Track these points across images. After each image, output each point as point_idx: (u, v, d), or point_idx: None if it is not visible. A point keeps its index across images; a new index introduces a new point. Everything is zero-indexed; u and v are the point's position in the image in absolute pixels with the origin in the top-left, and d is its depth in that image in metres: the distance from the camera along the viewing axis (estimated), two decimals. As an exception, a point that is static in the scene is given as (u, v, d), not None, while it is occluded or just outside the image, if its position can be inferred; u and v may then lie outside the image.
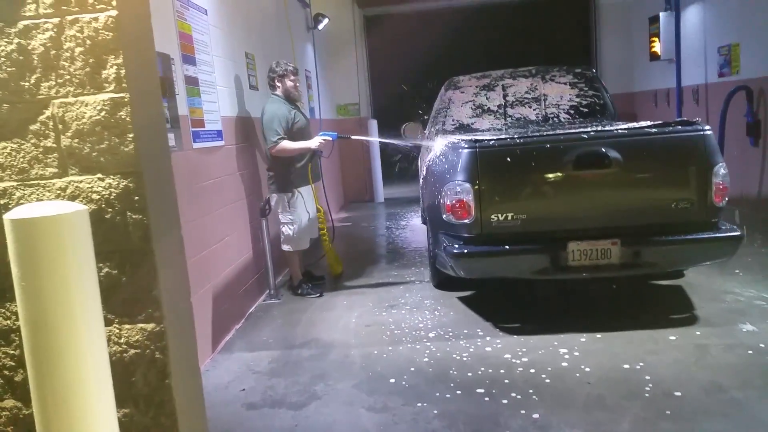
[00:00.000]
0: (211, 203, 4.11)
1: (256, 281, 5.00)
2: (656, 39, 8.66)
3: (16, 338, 1.86)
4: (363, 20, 10.56)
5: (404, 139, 5.87)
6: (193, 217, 3.72)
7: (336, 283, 5.39)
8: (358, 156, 10.43)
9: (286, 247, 4.98)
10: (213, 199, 4.16)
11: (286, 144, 4.70)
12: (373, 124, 10.25)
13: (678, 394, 2.97)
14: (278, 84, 4.91)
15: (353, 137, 5.55)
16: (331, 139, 4.87)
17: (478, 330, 4.00)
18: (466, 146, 3.86)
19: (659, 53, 8.64)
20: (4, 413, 1.89)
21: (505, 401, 3.02)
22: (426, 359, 3.60)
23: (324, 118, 8.91)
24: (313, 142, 4.80)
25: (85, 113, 1.77)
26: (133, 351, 1.82)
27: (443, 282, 4.86)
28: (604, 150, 3.69)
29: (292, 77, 4.91)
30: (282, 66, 4.91)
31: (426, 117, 6.67)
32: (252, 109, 5.21)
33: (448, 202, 3.89)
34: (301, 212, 4.94)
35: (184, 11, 3.92)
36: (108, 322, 1.78)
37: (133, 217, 1.77)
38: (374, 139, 5.24)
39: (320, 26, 8.57)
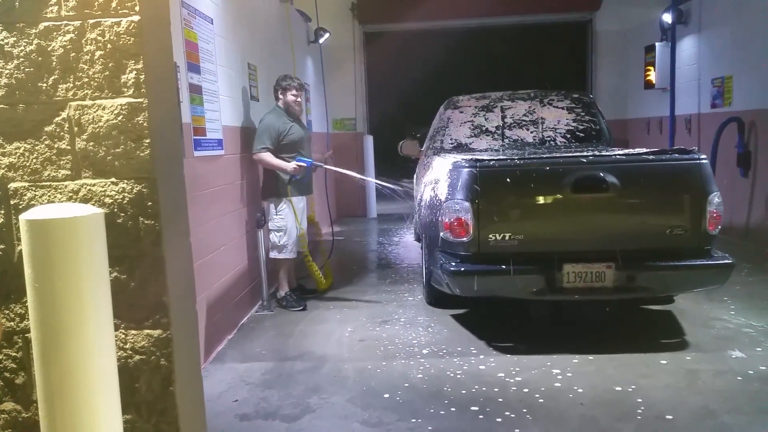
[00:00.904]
0: (208, 212, 4.10)
1: (249, 292, 4.98)
2: (651, 68, 8.82)
3: (19, 340, 1.85)
4: (363, 36, 10.65)
5: (383, 181, 5.83)
6: (191, 225, 3.70)
7: (329, 296, 5.38)
8: (352, 170, 10.44)
9: (272, 254, 4.99)
10: (211, 207, 4.16)
11: (265, 156, 4.80)
12: (369, 139, 10.31)
13: (670, 417, 3.00)
14: (281, 96, 5.03)
15: (327, 167, 5.50)
16: (305, 165, 4.89)
17: (472, 348, 4.01)
18: (467, 165, 3.90)
19: (654, 82, 8.79)
20: (2, 416, 1.86)
21: (499, 420, 3.03)
22: (420, 375, 3.59)
23: (319, 131, 8.94)
24: (289, 166, 4.82)
25: (102, 117, 1.77)
26: (138, 357, 1.82)
27: (437, 299, 4.87)
28: (602, 174, 3.74)
29: (294, 92, 5.00)
30: (287, 80, 5.03)
31: (419, 135, 6.72)
32: (253, 119, 5.24)
33: (447, 220, 3.92)
34: (288, 221, 4.93)
35: (191, 20, 3.94)
36: (114, 327, 1.76)
37: (146, 222, 1.77)
38: (350, 173, 5.16)
39: (321, 40, 8.64)
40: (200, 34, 4.07)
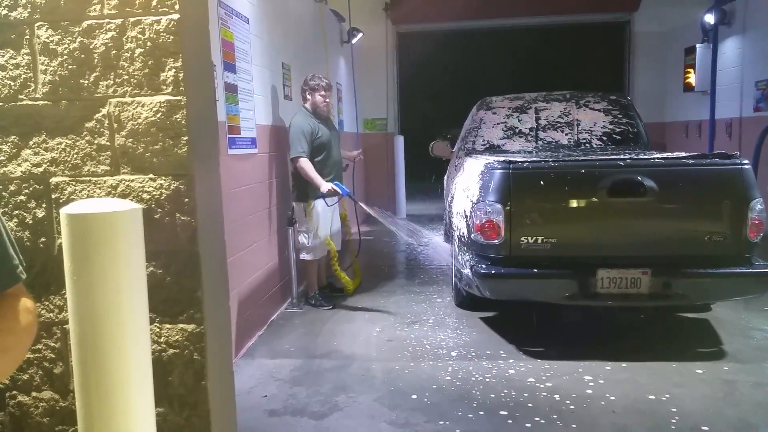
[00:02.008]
0: (242, 210, 4.15)
1: (280, 289, 5.02)
2: (691, 70, 8.61)
3: (58, 331, 1.89)
4: (396, 36, 10.64)
5: (401, 229, 5.76)
6: (225, 222, 3.75)
7: (357, 296, 5.39)
8: (383, 170, 10.47)
9: (303, 255, 5.01)
10: (244, 205, 4.20)
11: (305, 164, 4.76)
12: (400, 140, 10.30)
13: (705, 429, 2.92)
14: (308, 97, 4.98)
15: (361, 205, 5.37)
16: (340, 192, 4.86)
17: (501, 351, 3.97)
18: (500, 167, 3.86)
19: (693, 84, 8.58)
20: (41, 404, 1.91)
21: (528, 425, 2.99)
22: (448, 378, 3.57)
23: (350, 131, 8.97)
24: (324, 185, 4.79)
25: (141, 114, 1.80)
26: (171, 351, 1.84)
27: (466, 301, 4.83)
28: (639, 178, 3.67)
29: (323, 92, 4.95)
30: (315, 80, 4.97)
31: (449, 136, 6.66)
32: (285, 118, 5.27)
33: (478, 222, 3.88)
34: (317, 222, 4.94)
35: (228, 19, 3.99)
36: (150, 321, 1.78)
37: (182, 218, 1.79)
38: (379, 217, 5.03)
39: (354, 40, 8.66)
40: (236, 34, 4.12)
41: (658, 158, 3.94)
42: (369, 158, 10.45)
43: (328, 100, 5.02)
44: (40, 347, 1.89)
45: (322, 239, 5.00)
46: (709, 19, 8.21)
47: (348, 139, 8.78)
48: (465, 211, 4.20)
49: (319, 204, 4.93)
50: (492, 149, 5.55)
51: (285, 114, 5.28)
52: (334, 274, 5.33)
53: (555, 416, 3.07)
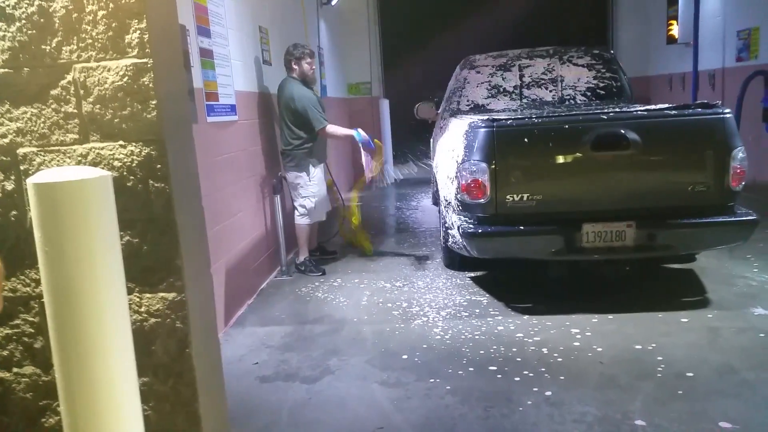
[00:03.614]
0: (224, 178, 4.10)
1: (268, 258, 5.01)
2: (674, 22, 8.53)
3: (36, 305, 1.86)
4: (376, -3, 10.43)
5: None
6: (206, 192, 3.68)
7: (347, 260, 5.39)
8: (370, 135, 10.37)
9: (306, 220, 5.03)
10: (226, 174, 4.15)
11: (332, 129, 4.93)
12: (385, 103, 10.18)
13: (690, 374, 2.97)
14: (295, 66, 4.97)
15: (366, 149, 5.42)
16: (366, 138, 4.97)
17: (490, 309, 4.00)
18: (483, 125, 3.82)
19: (676, 36, 8.51)
20: (23, 380, 1.89)
21: (517, 379, 3.03)
22: (438, 337, 3.60)
23: (334, 96, 8.85)
24: (354, 132, 4.97)
25: (108, 78, 1.74)
26: (153, 320, 1.82)
27: (455, 262, 4.85)
28: (622, 131, 3.65)
29: (309, 60, 4.98)
30: (299, 49, 4.97)
31: (436, 99, 6.59)
32: (267, 84, 5.18)
33: (464, 182, 3.86)
34: (320, 185, 5.06)
35: (200, -18, 3.87)
36: (128, 291, 1.76)
37: (155, 185, 1.75)
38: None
39: (333, 2, 8.47)
40: (209, -3, 4.00)
41: (640, 111, 3.92)
42: (355, 123, 10.33)
43: (313, 67, 5.05)
44: (19, 322, 1.86)
45: (323, 200, 5.11)
46: (692, -32, 8.10)
47: (335, 104, 8.68)
48: (450, 172, 4.17)
49: (319, 168, 5.05)
50: (477, 109, 5.50)
51: (266, 79, 5.18)
52: (358, 238, 5.63)
53: (543, 369, 3.11)
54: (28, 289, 1.84)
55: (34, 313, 1.86)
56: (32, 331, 1.87)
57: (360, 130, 5.01)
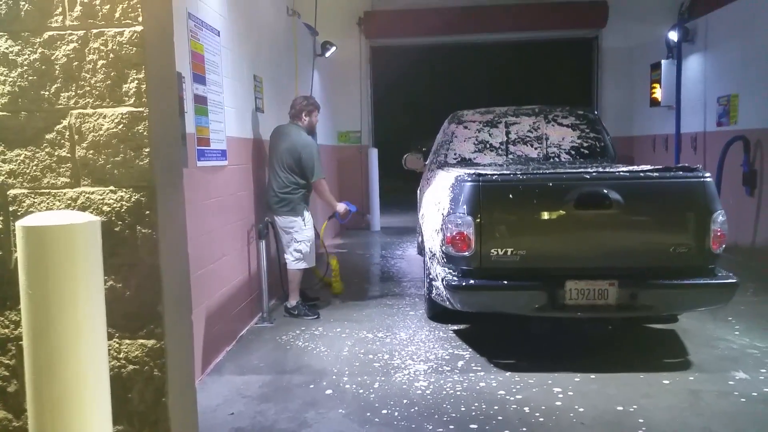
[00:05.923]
0: (211, 222, 4.10)
1: (249, 303, 4.97)
2: (657, 85, 8.82)
3: (12, 348, 1.84)
4: (369, 50, 10.71)
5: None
6: (192, 235, 3.69)
7: (330, 309, 5.36)
8: (357, 184, 10.47)
9: (302, 265, 5.10)
10: (213, 218, 4.15)
11: (325, 185, 5.20)
12: (374, 152, 10.32)
13: (671, 439, 2.95)
14: (305, 117, 5.22)
15: (368, 217, 6.09)
16: (350, 210, 5.49)
17: (472, 364, 3.97)
18: (469, 179, 3.89)
19: (660, 99, 8.79)
20: (-6, 424, 1.85)
21: (498, 438, 2.99)
22: (419, 392, 3.56)
23: (324, 143, 8.96)
24: (340, 206, 5.40)
25: (103, 125, 1.78)
26: (131, 367, 1.80)
27: (438, 314, 4.84)
28: (605, 191, 3.73)
29: (317, 113, 5.32)
30: (311, 101, 5.31)
31: (425, 149, 6.72)
32: (258, 131, 5.26)
33: (449, 234, 3.90)
34: (311, 230, 5.19)
35: (198, 31, 3.97)
36: (108, 336, 1.75)
37: (143, 231, 1.77)
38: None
39: (327, 54, 8.68)
40: (206, 46, 4.10)
41: (623, 171, 4.01)
42: (343, 171, 10.45)
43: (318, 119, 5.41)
44: (-6, 365, 1.83)
45: (313, 245, 5.23)
46: (673, 36, 8.44)
47: (323, 152, 8.77)
48: (436, 224, 4.21)
49: (308, 214, 5.20)
50: (464, 162, 5.60)
51: (257, 126, 5.26)
52: (322, 281, 5.89)
53: (524, 429, 3.08)
54: (6, 330, 1.82)
55: (11, 355, 1.83)
56: (7, 374, 1.84)
57: (345, 204, 5.43)
